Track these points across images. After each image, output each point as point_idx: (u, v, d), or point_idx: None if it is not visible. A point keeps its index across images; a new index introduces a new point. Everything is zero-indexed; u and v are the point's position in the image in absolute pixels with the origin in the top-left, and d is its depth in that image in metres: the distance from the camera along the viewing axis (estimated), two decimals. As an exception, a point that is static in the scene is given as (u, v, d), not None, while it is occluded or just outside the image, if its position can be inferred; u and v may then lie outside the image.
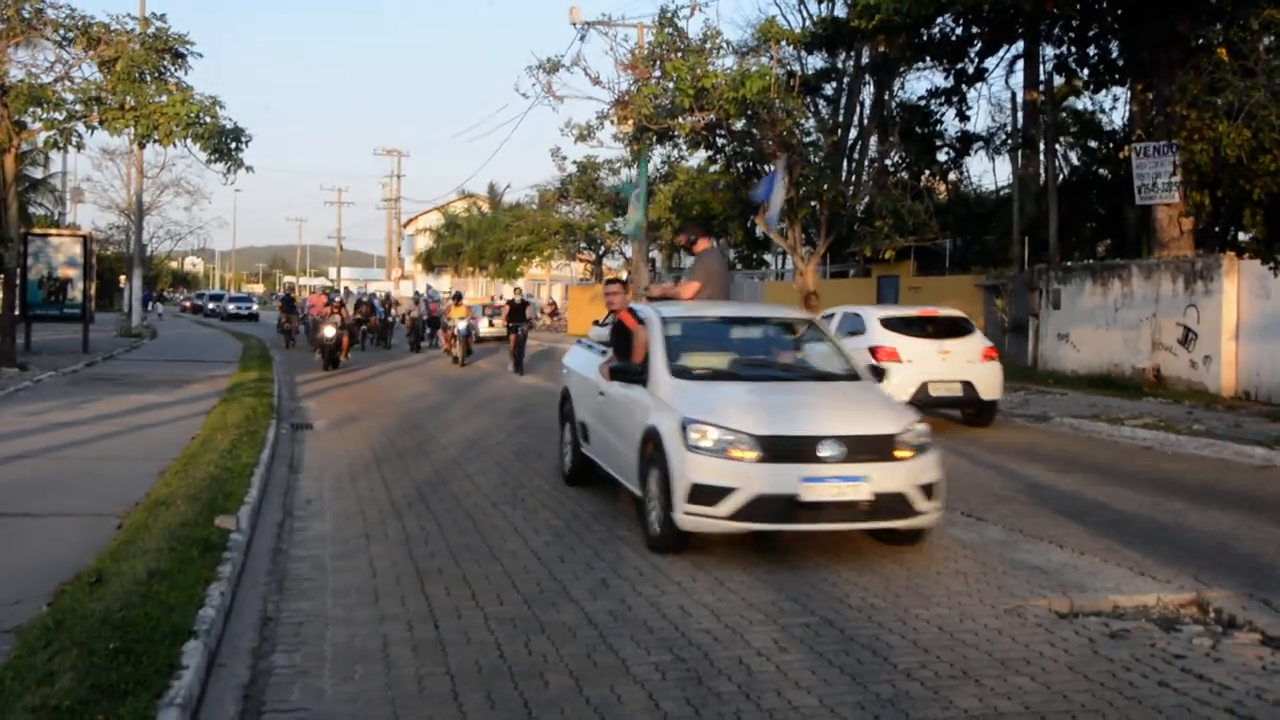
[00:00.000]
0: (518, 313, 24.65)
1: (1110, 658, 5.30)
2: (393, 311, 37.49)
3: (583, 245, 47.27)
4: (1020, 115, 27.38)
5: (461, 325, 26.02)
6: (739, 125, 22.38)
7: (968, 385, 14.26)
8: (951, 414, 15.40)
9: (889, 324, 14.83)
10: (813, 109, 30.67)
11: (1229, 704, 4.72)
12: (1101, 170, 30.42)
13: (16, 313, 21.73)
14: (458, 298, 28.94)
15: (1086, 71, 24.73)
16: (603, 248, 47.33)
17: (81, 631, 4.86)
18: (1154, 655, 5.35)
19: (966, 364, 14.44)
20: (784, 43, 24.62)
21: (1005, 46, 26.07)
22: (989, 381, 14.43)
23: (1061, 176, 28.51)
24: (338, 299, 28.00)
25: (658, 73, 22.23)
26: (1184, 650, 5.44)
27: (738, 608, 6.02)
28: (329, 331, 23.81)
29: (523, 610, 5.94)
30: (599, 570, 6.79)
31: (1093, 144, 32.69)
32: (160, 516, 7.32)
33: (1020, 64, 27.21)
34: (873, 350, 14.21)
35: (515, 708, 4.57)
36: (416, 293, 39.23)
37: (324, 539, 7.64)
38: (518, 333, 23.95)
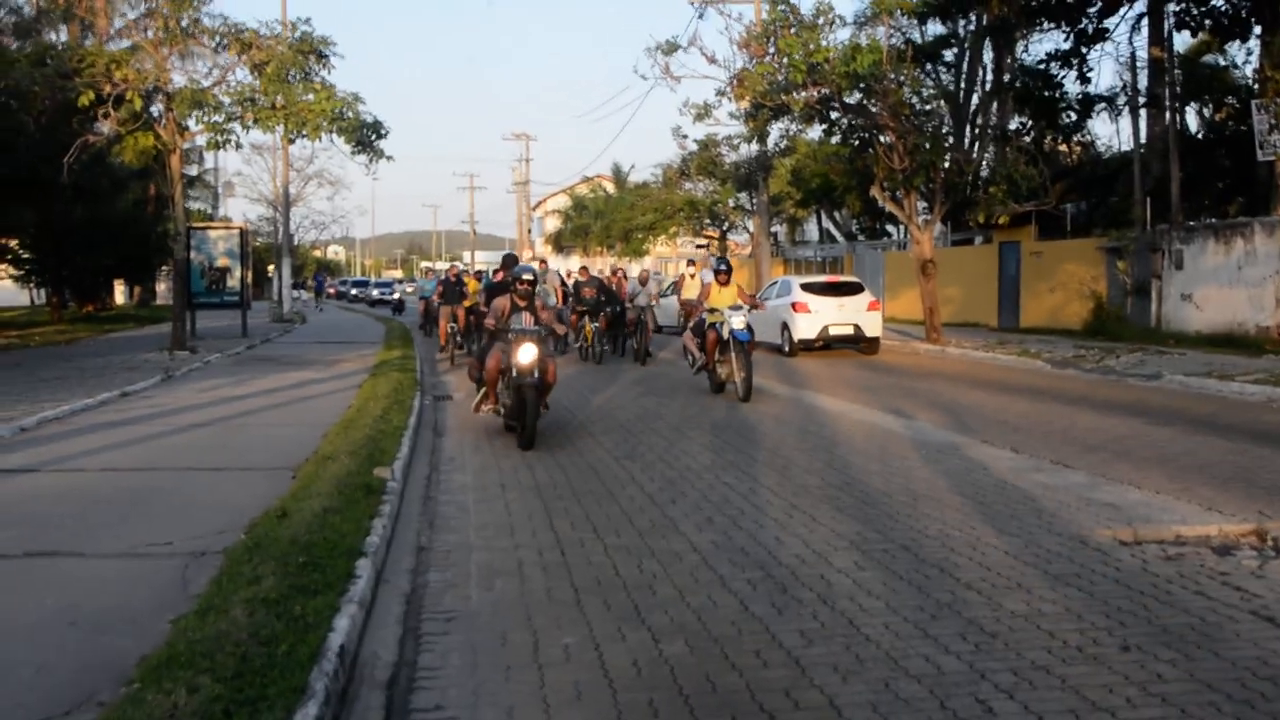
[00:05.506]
0: None
1: (1157, 574, 5.92)
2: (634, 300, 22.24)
3: (707, 221, 47.89)
4: (1144, 74, 26.97)
5: (738, 322, 14.14)
6: (853, 99, 22.75)
7: (856, 327, 21.29)
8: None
9: (806, 287, 21.83)
10: (933, 76, 30.66)
11: (1255, 608, 5.32)
12: (1234, 126, 29.68)
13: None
14: (726, 269, 15.11)
15: (1210, 24, 24.27)
16: (726, 223, 47.87)
17: (275, 550, 5.96)
18: (1199, 572, 5.95)
19: (855, 312, 21.42)
20: (899, 12, 24.80)
21: (1126, 4, 25.72)
22: (871, 323, 21.47)
23: (1189, 134, 27.97)
24: (528, 273, 11.47)
25: (772, 49, 22.76)
26: (1230, 569, 6.02)
27: (826, 537, 6.81)
28: (524, 356, 10.49)
29: (637, 541, 6.85)
30: (706, 510, 7.66)
31: (1227, 100, 31.85)
32: (328, 468, 8.49)
33: (1145, 21, 26.78)
34: (793, 305, 21.37)
35: (627, 610, 5.47)
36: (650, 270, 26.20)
37: (466, 487, 8.71)
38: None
